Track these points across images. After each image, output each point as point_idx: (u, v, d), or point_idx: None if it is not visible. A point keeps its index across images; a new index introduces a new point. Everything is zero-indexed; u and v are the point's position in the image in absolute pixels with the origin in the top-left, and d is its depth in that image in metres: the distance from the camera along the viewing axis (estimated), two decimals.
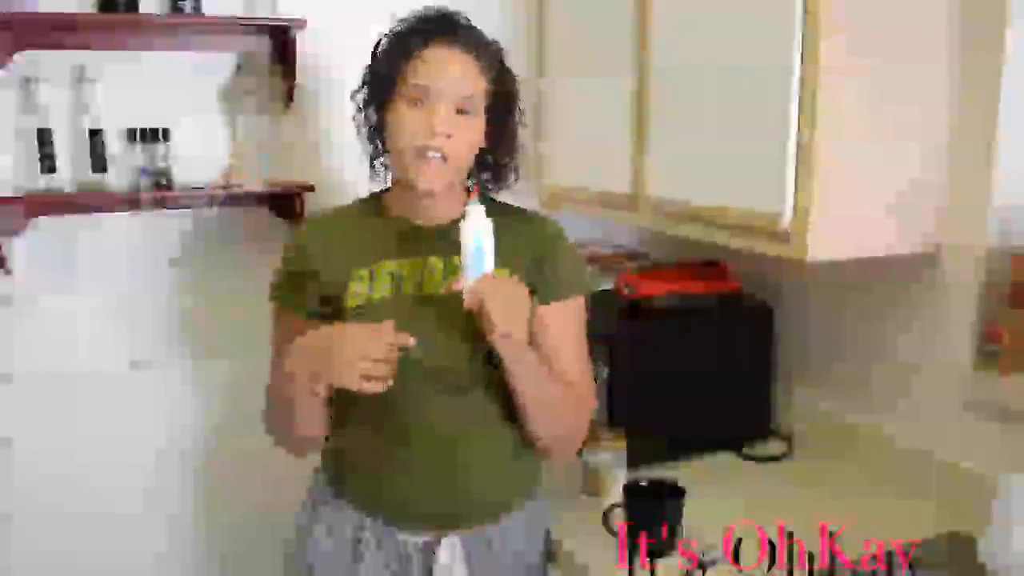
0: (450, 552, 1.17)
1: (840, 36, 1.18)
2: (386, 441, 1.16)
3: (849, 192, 1.25)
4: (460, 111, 1.12)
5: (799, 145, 1.22)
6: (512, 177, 1.26)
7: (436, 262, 1.18)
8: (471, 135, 1.15)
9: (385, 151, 1.22)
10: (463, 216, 1.07)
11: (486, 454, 1.19)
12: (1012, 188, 1.30)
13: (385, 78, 1.15)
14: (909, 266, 1.42)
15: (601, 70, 1.71)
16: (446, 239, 1.17)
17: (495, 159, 1.24)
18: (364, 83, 1.21)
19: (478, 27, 1.18)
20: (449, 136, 1.11)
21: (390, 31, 1.18)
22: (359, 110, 1.22)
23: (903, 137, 1.30)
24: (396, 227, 1.21)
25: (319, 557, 1.23)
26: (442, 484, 1.17)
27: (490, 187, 1.26)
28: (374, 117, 1.21)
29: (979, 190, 1.31)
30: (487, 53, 1.16)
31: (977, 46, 1.28)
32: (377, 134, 1.22)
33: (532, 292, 1.21)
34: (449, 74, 1.12)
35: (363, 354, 1.01)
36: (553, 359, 1.21)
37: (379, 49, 1.18)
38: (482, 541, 1.20)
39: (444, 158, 1.12)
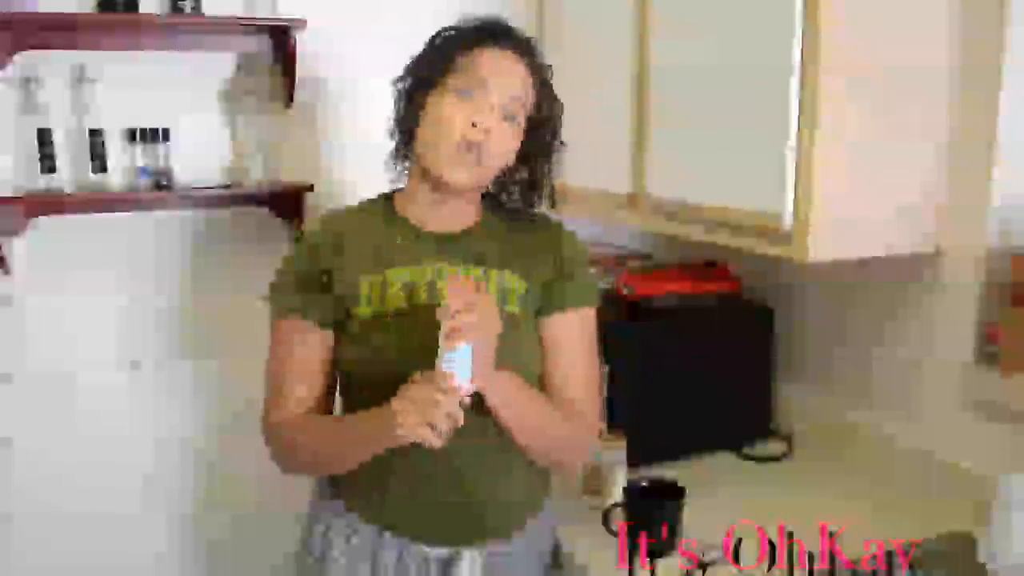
0: (471, 565, 1.16)
1: (840, 36, 1.18)
2: (404, 456, 1.10)
3: (849, 192, 1.25)
4: (505, 116, 1.10)
5: (799, 145, 1.22)
6: (541, 199, 1.22)
7: (450, 270, 1.15)
8: (509, 142, 1.13)
9: (410, 144, 1.17)
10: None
11: (506, 466, 1.18)
12: (1012, 188, 1.30)
13: (436, 67, 1.12)
14: (909, 266, 1.42)
15: (601, 70, 1.72)
16: (460, 246, 1.17)
17: (524, 177, 1.20)
18: (411, 69, 1.17)
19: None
20: (488, 130, 1.08)
21: (449, 26, 1.15)
22: (399, 98, 1.18)
23: (903, 137, 1.30)
24: (408, 232, 1.17)
25: (335, 571, 1.20)
26: (464, 498, 1.15)
27: (521, 203, 1.23)
28: (409, 108, 1.16)
29: (979, 190, 1.31)
30: (540, 68, 1.15)
31: (977, 46, 1.28)
32: (409, 120, 1.16)
33: (546, 302, 1.19)
34: (505, 75, 1.10)
35: (433, 406, 0.96)
36: (556, 372, 1.19)
37: (436, 39, 1.15)
38: (501, 554, 1.19)
39: (480, 154, 1.09)
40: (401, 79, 1.18)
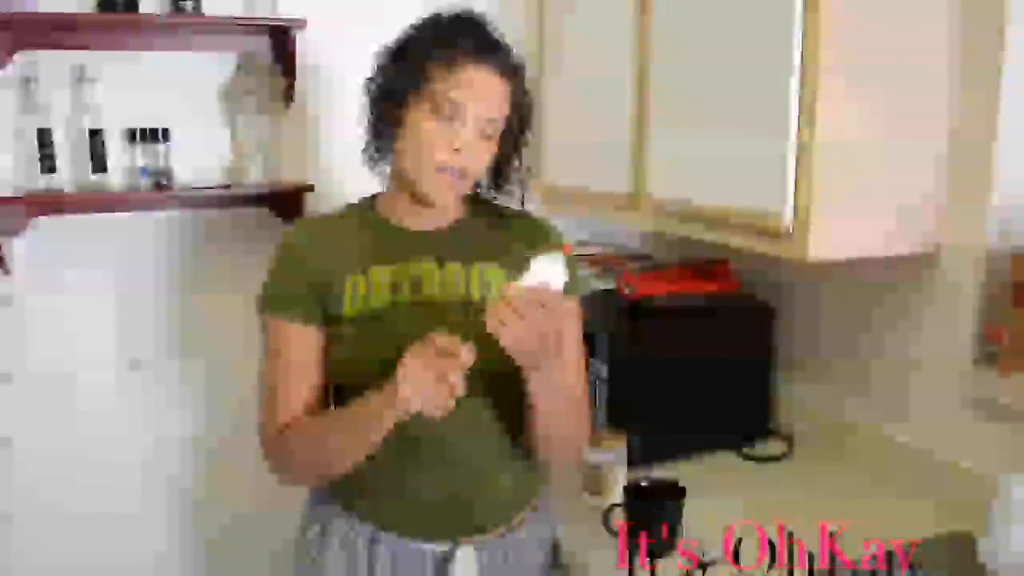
0: (467, 561, 1.16)
1: (840, 35, 1.18)
2: (396, 452, 1.12)
3: (849, 192, 1.24)
4: (483, 136, 1.11)
5: (799, 145, 1.22)
6: (513, 186, 1.24)
7: (432, 267, 1.16)
8: (488, 157, 1.15)
9: (389, 148, 1.17)
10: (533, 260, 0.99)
11: (498, 461, 1.18)
12: (1012, 188, 1.30)
13: (411, 77, 1.10)
14: (909, 266, 1.42)
15: (601, 70, 1.71)
16: (444, 242, 1.18)
17: (499, 169, 1.21)
18: (383, 75, 1.15)
19: (507, 42, 1.15)
20: (469, 153, 1.10)
21: (421, 26, 1.14)
22: (368, 96, 1.17)
23: (903, 137, 1.30)
24: (390, 232, 1.19)
25: (333, 571, 1.20)
26: (456, 494, 1.15)
27: (490, 192, 1.25)
28: (383, 111, 1.15)
29: (979, 190, 1.31)
30: (518, 78, 1.15)
31: (977, 46, 1.28)
32: (385, 129, 1.16)
33: None
34: (485, 98, 1.10)
35: (437, 376, 0.98)
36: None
37: (408, 43, 1.14)
38: (497, 550, 1.19)
39: (462, 175, 1.11)
40: (373, 79, 1.16)
